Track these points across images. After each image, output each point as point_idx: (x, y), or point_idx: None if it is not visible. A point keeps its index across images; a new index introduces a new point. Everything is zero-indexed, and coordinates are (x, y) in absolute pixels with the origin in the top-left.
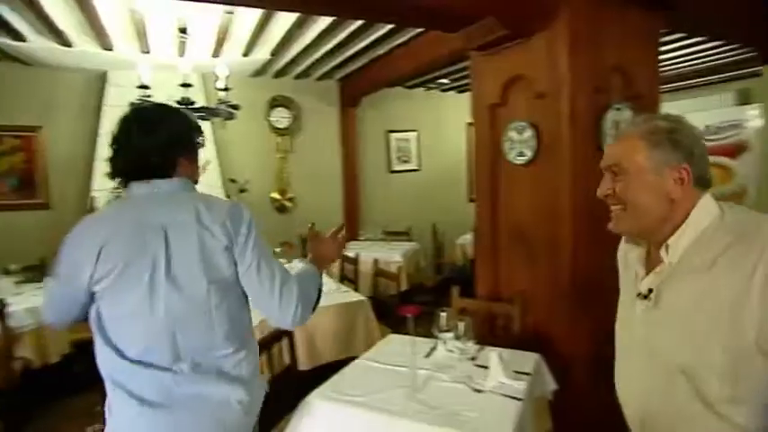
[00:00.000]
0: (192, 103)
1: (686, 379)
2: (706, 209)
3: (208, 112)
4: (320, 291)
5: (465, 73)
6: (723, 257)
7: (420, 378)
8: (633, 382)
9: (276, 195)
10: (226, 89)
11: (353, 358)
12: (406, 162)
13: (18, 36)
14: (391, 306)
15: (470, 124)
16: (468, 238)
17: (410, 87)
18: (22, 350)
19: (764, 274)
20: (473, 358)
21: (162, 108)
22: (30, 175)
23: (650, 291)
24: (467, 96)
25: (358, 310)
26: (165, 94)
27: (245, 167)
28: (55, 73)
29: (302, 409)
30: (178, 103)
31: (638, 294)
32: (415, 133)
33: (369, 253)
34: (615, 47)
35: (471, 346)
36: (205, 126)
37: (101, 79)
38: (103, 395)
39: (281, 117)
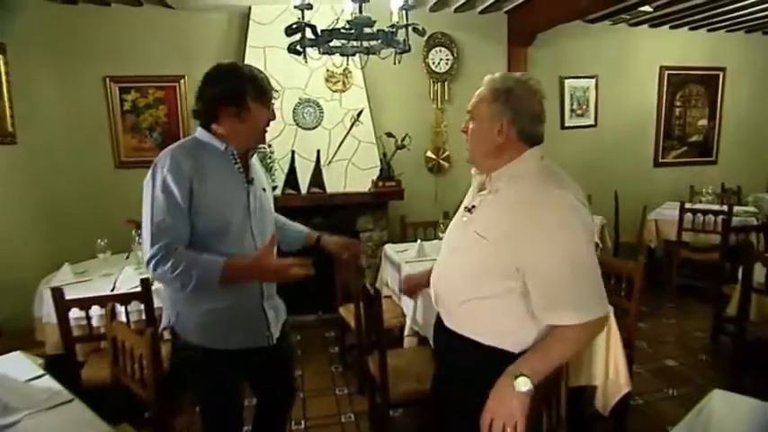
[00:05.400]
0: (372, 23)
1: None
2: (525, 161)
3: (384, 39)
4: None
5: None
6: (517, 204)
7: None
8: (438, 267)
9: (431, 155)
10: (408, 8)
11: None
12: (580, 116)
13: None
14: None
15: (666, 68)
16: (664, 212)
17: (591, 21)
18: None
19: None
20: None
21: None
22: (173, 129)
23: (473, 206)
24: (664, 32)
25: None
26: (328, 19)
27: (399, 119)
28: (197, 15)
29: None
30: (349, 22)
31: (466, 207)
32: (593, 80)
33: None
34: None
35: None
36: (353, 66)
37: (244, 18)
38: None
39: (440, 59)
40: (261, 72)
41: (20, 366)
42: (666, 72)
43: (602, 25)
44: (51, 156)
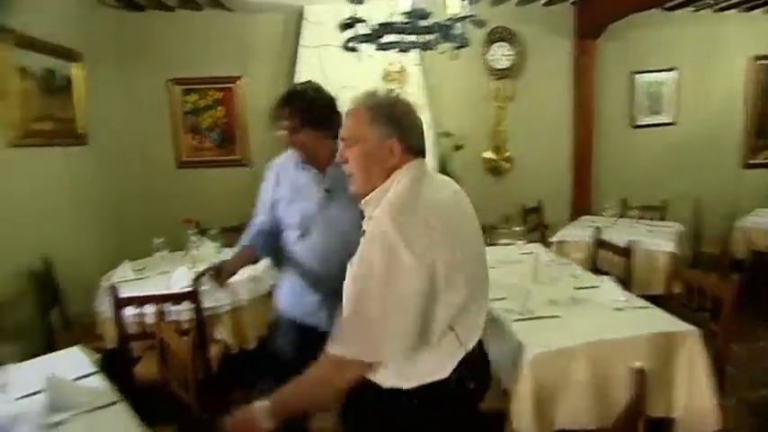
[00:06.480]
0: (427, 15)
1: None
2: (397, 179)
3: (441, 32)
4: None
5: None
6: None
7: None
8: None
9: (490, 155)
10: None
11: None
12: (656, 114)
13: None
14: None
15: (758, 58)
16: (755, 220)
17: (671, 9)
18: (220, 333)
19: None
20: None
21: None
22: (231, 130)
23: (364, 231)
24: (756, 17)
25: (680, 347)
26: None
27: (457, 118)
28: (253, 16)
29: None
30: (407, 14)
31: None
32: (671, 74)
33: (622, 236)
34: None
35: None
36: (410, 64)
37: (298, 18)
38: None
39: (501, 55)
40: (323, 96)
41: (76, 362)
42: (758, 62)
43: (684, 12)
44: (118, 156)
